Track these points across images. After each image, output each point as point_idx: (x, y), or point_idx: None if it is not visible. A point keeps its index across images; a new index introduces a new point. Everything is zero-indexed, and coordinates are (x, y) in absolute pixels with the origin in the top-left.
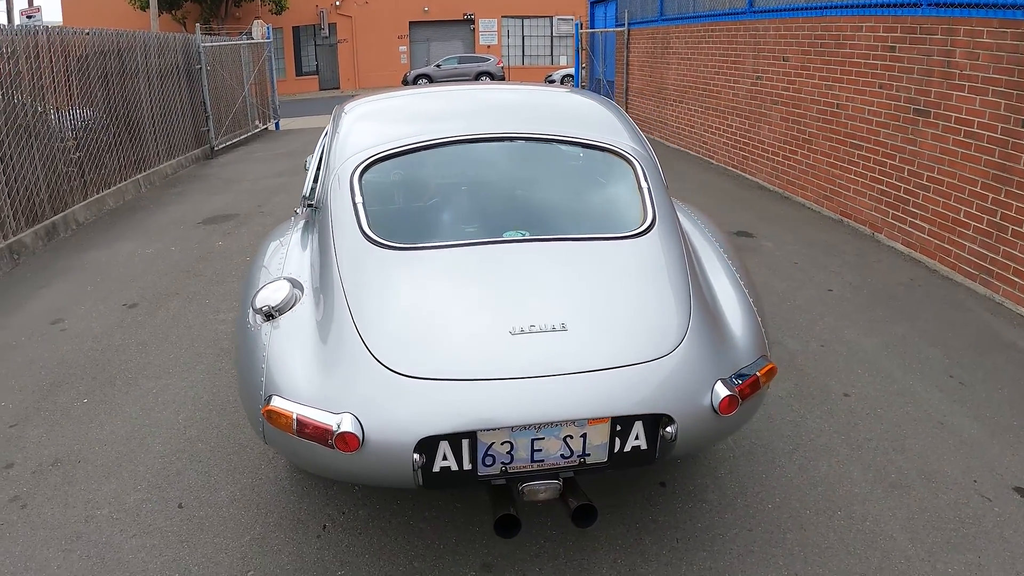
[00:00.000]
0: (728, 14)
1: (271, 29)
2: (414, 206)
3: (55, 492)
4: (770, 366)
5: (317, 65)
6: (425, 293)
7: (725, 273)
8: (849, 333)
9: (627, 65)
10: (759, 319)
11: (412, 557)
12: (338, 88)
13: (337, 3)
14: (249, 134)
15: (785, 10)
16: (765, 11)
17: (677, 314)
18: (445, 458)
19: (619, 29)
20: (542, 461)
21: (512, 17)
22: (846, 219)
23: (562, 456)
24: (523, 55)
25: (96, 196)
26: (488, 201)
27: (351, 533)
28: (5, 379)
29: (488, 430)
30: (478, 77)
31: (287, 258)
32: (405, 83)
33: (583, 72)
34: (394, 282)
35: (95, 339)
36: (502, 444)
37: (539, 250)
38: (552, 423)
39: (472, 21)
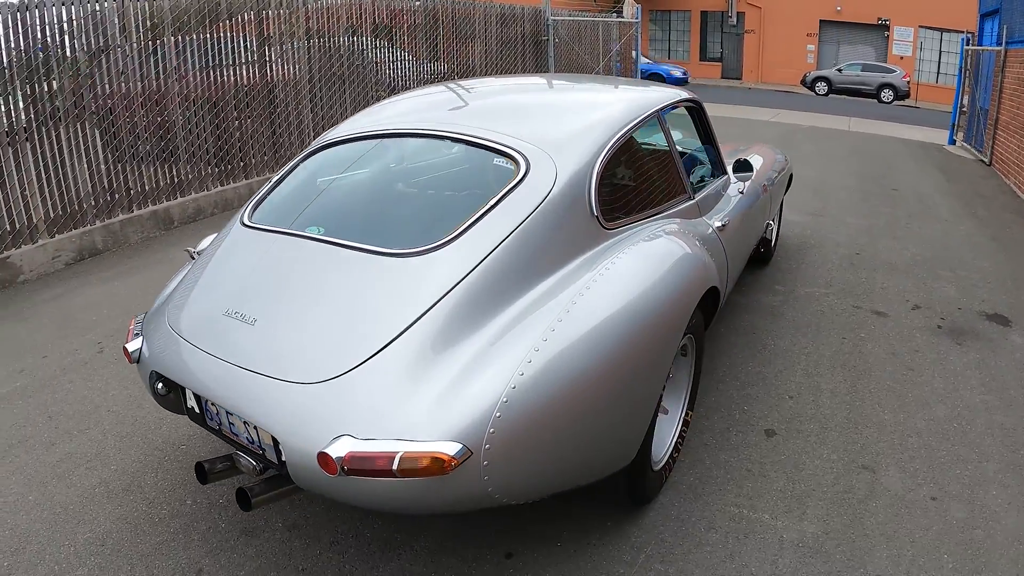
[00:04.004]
0: None
1: (641, 10)
2: (302, 192)
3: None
4: (423, 454)
5: (721, 53)
6: (221, 262)
7: (519, 339)
8: (995, 496)
9: (1000, 92)
10: (495, 402)
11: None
12: (739, 79)
13: None
14: None
15: None
16: None
17: (352, 350)
18: (189, 399)
19: (996, 48)
20: (237, 436)
21: (930, 28)
22: None
23: (248, 440)
24: (937, 72)
25: None
26: (345, 196)
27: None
28: None
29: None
30: (880, 89)
31: None
32: (803, 83)
33: (963, 98)
34: (220, 250)
35: None
36: (212, 405)
37: (311, 249)
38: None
39: (887, 28)
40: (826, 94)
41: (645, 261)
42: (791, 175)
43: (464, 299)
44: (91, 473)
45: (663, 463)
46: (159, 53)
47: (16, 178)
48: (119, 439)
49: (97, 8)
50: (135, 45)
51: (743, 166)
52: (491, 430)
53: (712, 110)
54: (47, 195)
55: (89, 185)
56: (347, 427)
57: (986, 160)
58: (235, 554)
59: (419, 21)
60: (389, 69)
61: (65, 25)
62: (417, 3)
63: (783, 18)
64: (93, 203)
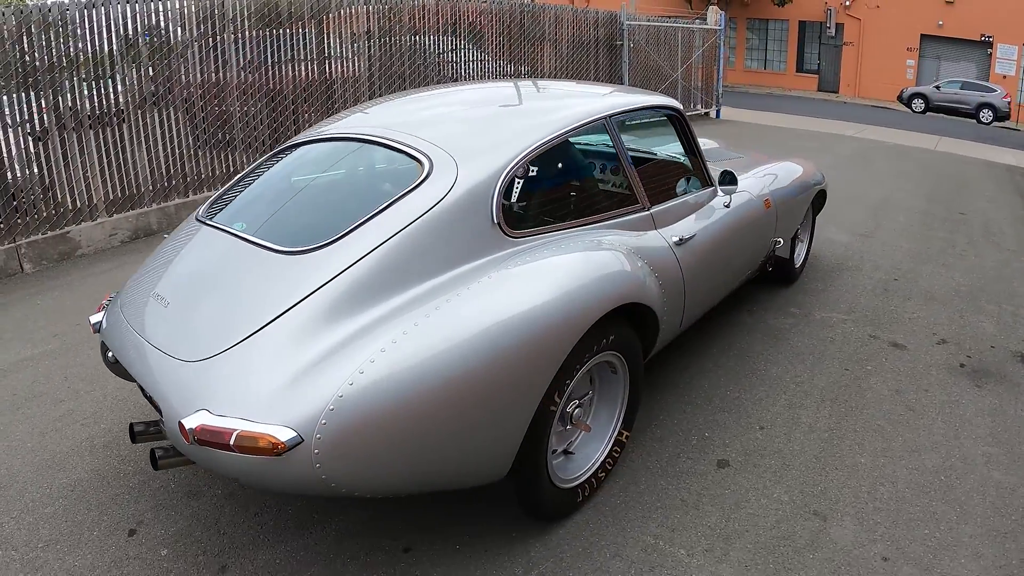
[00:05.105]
0: None
1: (730, 17)
2: (245, 191)
3: None
4: (257, 435)
5: (819, 64)
6: (167, 250)
7: (373, 339)
8: (962, 565)
9: None
10: (331, 396)
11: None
12: (836, 92)
13: (847, 3)
14: None
15: None
16: None
17: (227, 335)
18: None
19: None
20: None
21: None
22: None
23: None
24: None
25: None
26: (272, 195)
27: None
28: None
29: None
30: (979, 109)
31: None
32: (900, 99)
33: None
34: (171, 240)
35: None
36: None
37: (226, 243)
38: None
39: (990, 45)
40: (923, 112)
41: (535, 271)
42: (822, 192)
43: (333, 296)
44: (84, 429)
45: (580, 481)
46: (219, 49)
47: (79, 161)
48: (115, 401)
49: (159, 7)
50: (195, 42)
51: (729, 178)
52: (323, 421)
53: (796, 123)
54: (107, 177)
55: (148, 171)
56: (207, 403)
57: None
58: (173, 511)
59: (484, 22)
60: (452, 69)
61: (129, 22)
62: (483, 4)
63: (883, 31)
64: (151, 187)
